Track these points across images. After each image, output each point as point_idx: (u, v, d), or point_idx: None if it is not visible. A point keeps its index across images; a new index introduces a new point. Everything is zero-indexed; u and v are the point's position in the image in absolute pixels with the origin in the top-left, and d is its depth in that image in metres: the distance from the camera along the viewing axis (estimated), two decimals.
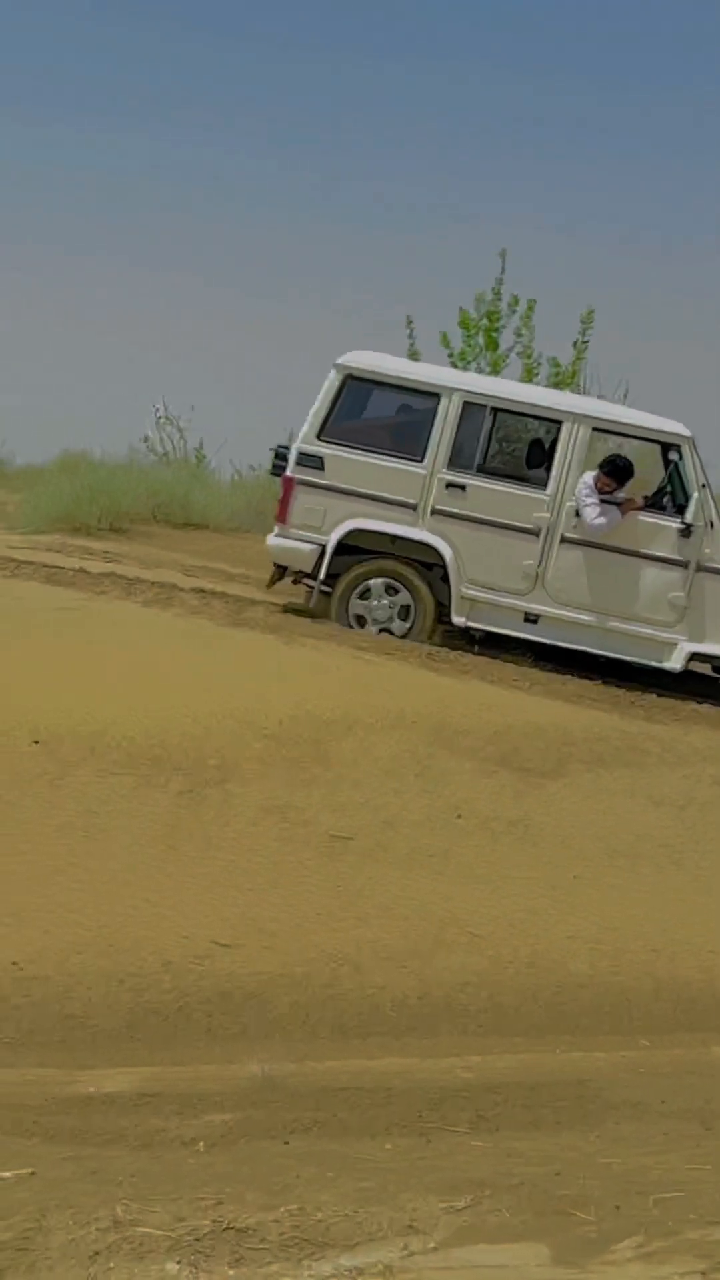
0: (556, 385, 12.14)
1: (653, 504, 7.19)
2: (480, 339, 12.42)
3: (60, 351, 30.90)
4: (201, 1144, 3.11)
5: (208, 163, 39.90)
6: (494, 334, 12.49)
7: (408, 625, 7.14)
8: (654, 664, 7.12)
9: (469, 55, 38.05)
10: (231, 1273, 2.44)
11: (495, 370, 12.30)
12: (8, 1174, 2.80)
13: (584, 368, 12.60)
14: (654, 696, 6.89)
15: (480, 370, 12.19)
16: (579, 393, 11.73)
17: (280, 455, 7.46)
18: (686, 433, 7.09)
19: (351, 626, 7.12)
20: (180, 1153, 3.05)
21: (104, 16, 37.20)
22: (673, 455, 7.12)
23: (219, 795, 4.76)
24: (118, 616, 6.55)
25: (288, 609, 7.38)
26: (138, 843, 4.42)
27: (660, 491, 7.30)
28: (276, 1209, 2.67)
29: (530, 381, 11.93)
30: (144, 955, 3.92)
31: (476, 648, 7.20)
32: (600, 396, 11.72)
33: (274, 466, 7.61)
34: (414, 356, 12.19)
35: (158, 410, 15.16)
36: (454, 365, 12.24)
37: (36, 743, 4.74)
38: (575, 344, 12.55)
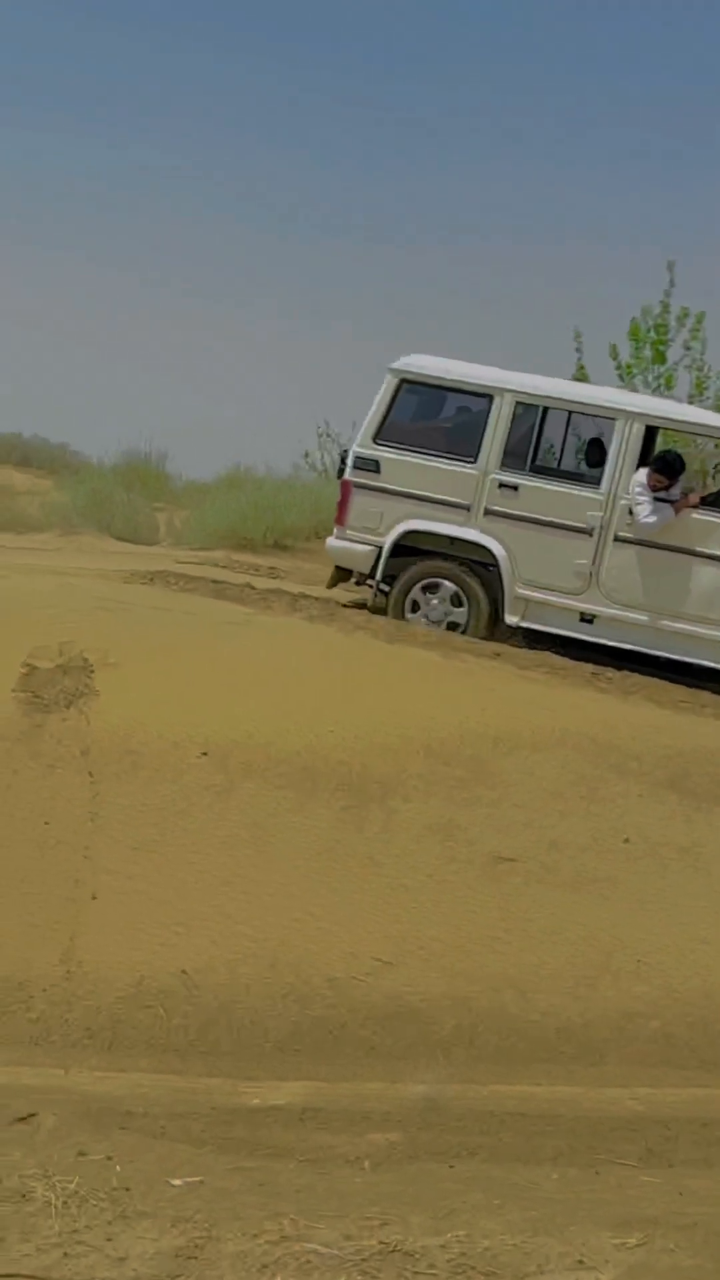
0: None
1: (712, 502, 6.95)
2: (648, 351, 12.18)
3: (228, 367, 31.65)
4: (367, 1163, 3.11)
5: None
6: (661, 347, 12.24)
7: (464, 611, 7.09)
8: (712, 665, 6.87)
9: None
10: None
11: (668, 385, 12.05)
12: (178, 1181, 2.84)
13: None
14: None
15: (647, 384, 11.96)
16: None
17: (345, 459, 7.50)
18: None
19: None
20: (346, 1170, 3.05)
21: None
22: None
23: (382, 812, 4.76)
24: (283, 631, 6.62)
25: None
26: (302, 857, 4.45)
27: None
28: (444, 1234, 2.65)
29: (699, 396, 11.65)
30: (308, 969, 3.94)
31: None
32: None
33: (338, 470, 7.65)
34: (580, 371, 12.04)
35: (320, 428, 15.37)
36: (620, 378, 12.04)
37: (205, 754, 4.82)
38: None
